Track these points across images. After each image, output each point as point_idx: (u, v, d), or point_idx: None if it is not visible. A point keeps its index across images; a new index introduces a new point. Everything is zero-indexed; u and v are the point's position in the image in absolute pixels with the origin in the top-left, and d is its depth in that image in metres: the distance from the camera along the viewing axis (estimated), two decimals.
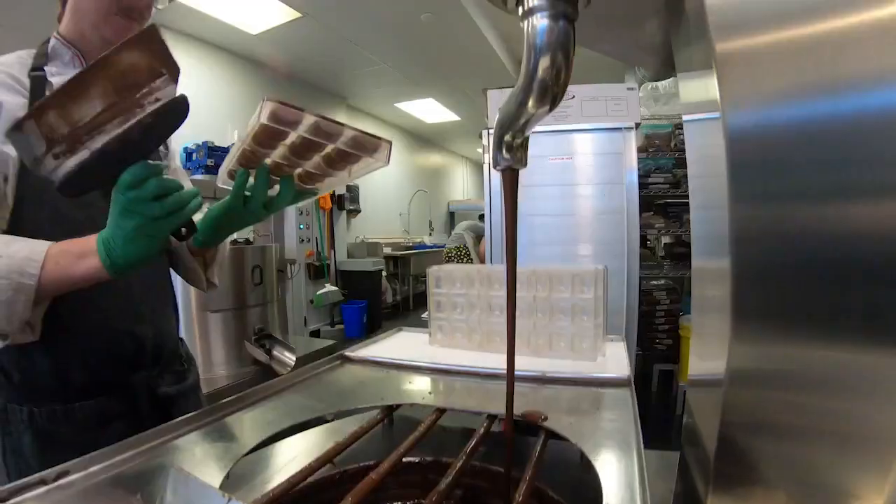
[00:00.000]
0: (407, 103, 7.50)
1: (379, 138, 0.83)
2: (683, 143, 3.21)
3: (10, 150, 0.81)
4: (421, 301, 8.44)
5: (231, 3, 4.16)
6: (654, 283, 3.86)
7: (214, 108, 4.79)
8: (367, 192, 7.52)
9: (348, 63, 5.67)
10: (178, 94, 0.67)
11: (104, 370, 0.94)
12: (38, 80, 0.94)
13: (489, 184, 3.01)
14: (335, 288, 6.09)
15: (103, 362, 0.94)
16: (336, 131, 0.77)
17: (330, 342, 3.51)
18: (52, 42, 1.01)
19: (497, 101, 3.03)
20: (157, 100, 0.65)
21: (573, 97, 2.84)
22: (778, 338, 0.42)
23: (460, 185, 12.99)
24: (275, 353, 2.95)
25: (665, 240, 4.02)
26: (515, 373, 0.68)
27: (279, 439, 0.83)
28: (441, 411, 0.80)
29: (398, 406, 0.85)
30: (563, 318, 1.06)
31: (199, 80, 4.77)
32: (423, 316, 5.50)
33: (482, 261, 5.93)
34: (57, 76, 0.97)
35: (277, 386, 0.94)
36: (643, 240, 3.68)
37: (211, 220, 0.93)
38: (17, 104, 0.88)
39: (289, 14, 4.42)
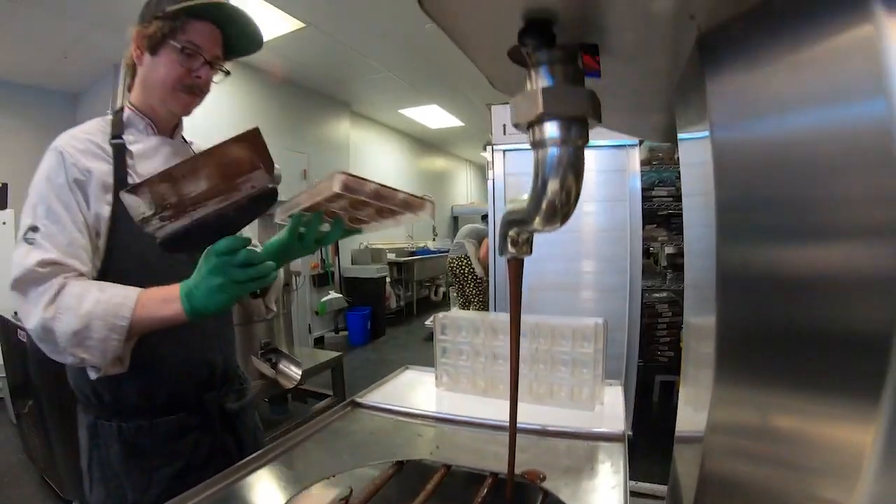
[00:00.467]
0: (411, 109, 7.51)
1: (424, 199, 0.94)
2: None
3: (104, 211, 1.01)
4: (424, 306, 8.46)
5: None
6: (656, 295, 3.87)
7: (217, 115, 4.80)
8: None
9: (352, 71, 5.68)
10: (269, 185, 0.81)
11: (183, 391, 1.09)
12: (118, 148, 1.08)
13: (492, 189, 3.03)
14: (339, 295, 6.12)
15: (183, 385, 1.09)
16: (390, 195, 0.88)
17: (335, 354, 3.54)
18: (127, 112, 1.14)
19: (500, 116, 3.04)
20: (253, 187, 0.78)
21: None
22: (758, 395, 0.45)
23: (464, 189, 12.98)
24: (281, 367, 2.98)
25: (668, 249, 4.04)
26: (518, 425, 0.71)
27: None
28: (448, 467, 0.82)
29: (408, 460, 0.88)
30: (564, 369, 1.10)
31: (214, 90, 4.77)
32: (426, 322, 5.55)
33: (485, 268, 5.94)
34: (135, 144, 1.12)
35: (296, 438, 1.00)
36: (646, 251, 3.69)
37: (267, 254, 1.01)
38: (103, 171, 1.04)
39: (293, 24, 4.43)
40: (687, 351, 0.66)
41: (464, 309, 6.01)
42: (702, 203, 0.52)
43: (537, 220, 0.51)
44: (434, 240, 9.99)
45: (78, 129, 1.09)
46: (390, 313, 7.32)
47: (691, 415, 0.59)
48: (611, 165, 2.89)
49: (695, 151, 0.56)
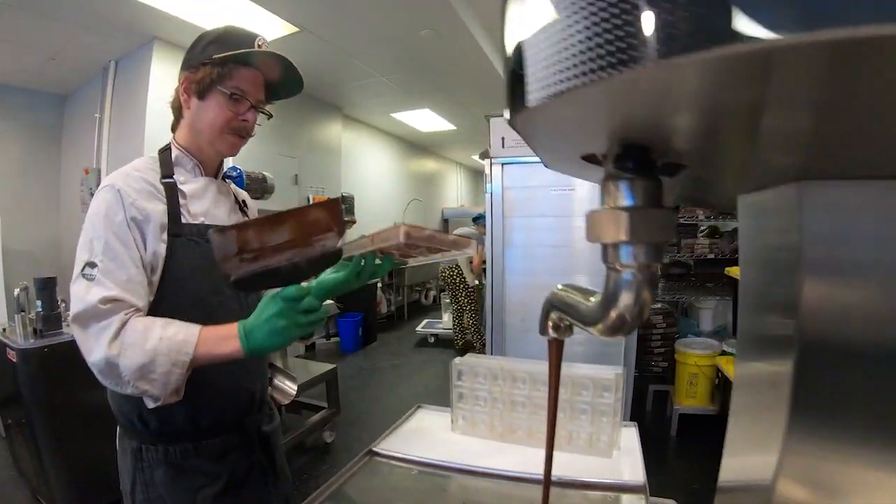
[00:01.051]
0: (403, 113, 7.46)
1: (470, 239, 1.09)
2: None
3: (160, 249, 1.07)
4: (415, 311, 8.45)
5: (228, 18, 4.12)
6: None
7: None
8: (362, 202, 7.51)
9: (345, 75, 5.63)
10: (338, 245, 0.93)
11: (226, 416, 1.16)
12: (171, 187, 1.14)
13: (490, 202, 2.99)
14: (330, 301, 6.07)
15: (226, 410, 1.16)
16: (442, 240, 1.01)
17: (329, 366, 3.52)
18: (175, 152, 1.21)
19: (499, 128, 3.02)
20: (324, 245, 0.89)
21: None
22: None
23: (454, 192, 12.97)
24: (276, 381, 2.92)
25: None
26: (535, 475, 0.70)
27: None
28: None
29: None
30: (584, 417, 1.09)
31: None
32: (418, 329, 5.51)
33: (478, 275, 5.93)
34: (186, 184, 1.18)
35: (319, 497, 1.00)
36: None
37: (324, 291, 1.07)
38: (159, 210, 1.10)
39: (286, 28, 4.37)
40: (740, 398, 0.64)
41: (457, 316, 6.01)
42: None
43: (600, 326, 0.49)
44: None
45: (130, 167, 1.15)
46: (381, 318, 7.30)
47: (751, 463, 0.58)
48: None
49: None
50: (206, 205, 1.19)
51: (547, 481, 0.69)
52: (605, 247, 0.45)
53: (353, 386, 4.55)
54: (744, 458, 0.61)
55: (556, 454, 1.07)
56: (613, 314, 0.47)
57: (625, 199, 0.43)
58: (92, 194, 1.29)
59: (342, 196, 6.84)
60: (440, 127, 8.36)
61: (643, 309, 0.46)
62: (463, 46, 4.76)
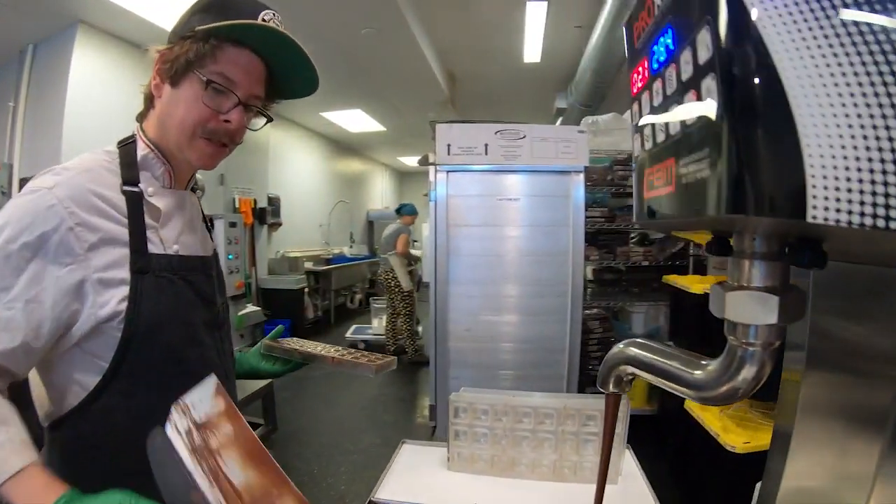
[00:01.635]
0: (333, 113, 7.28)
1: (390, 361, 1.07)
2: (620, 178, 3.34)
3: (121, 296, 0.82)
4: (342, 315, 8.26)
5: (162, 4, 3.81)
6: (587, 312, 3.97)
7: (120, 114, 4.41)
8: (288, 204, 7.25)
9: None
10: None
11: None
12: (134, 198, 0.88)
13: (434, 210, 2.91)
14: (257, 308, 5.82)
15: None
16: (366, 365, 1.04)
17: (263, 383, 3.35)
18: (142, 149, 0.92)
19: (445, 135, 2.97)
20: None
21: (524, 137, 2.84)
22: None
23: (379, 193, 12.82)
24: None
25: (593, 266, 4.17)
26: None
27: None
28: None
29: None
30: (589, 446, 1.07)
31: (120, 81, 4.35)
32: (346, 335, 5.41)
33: (406, 255, 5.84)
34: (156, 197, 0.91)
35: None
36: None
37: (238, 365, 1.13)
38: (116, 235, 0.84)
39: None
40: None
41: (392, 319, 5.92)
42: None
43: (711, 394, 0.47)
44: (351, 246, 9.76)
45: (77, 167, 0.85)
46: (308, 324, 7.07)
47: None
48: (555, 191, 2.90)
49: None
50: (178, 228, 0.94)
51: None
52: (736, 326, 0.43)
53: (287, 398, 4.35)
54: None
55: (561, 486, 1.06)
56: (728, 386, 0.45)
57: (767, 279, 0.40)
58: (3, 193, 1.06)
59: (268, 197, 6.60)
60: (370, 128, 8.23)
61: (759, 383, 0.44)
62: (402, 46, 4.69)
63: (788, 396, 0.59)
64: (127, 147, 0.92)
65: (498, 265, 2.88)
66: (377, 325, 6.49)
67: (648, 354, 0.53)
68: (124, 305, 0.81)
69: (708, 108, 0.29)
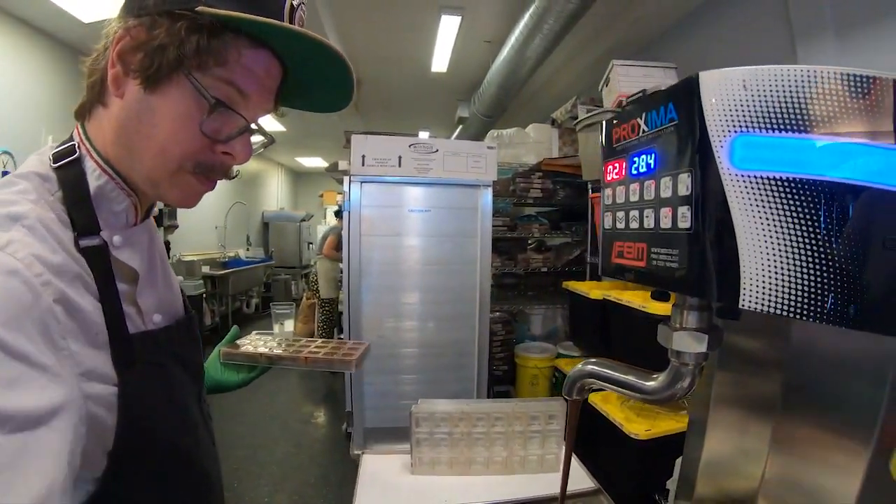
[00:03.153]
0: None
1: (364, 350, 1.06)
2: (521, 190, 3.58)
3: (106, 397, 0.60)
4: (239, 321, 7.99)
5: None
6: (490, 316, 4.21)
7: (25, 105, 4.04)
8: None
9: None
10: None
11: None
12: (97, 257, 0.61)
13: (348, 220, 2.95)
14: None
15: None
16: (317, 360, 1.02)
17: None
18: (97, 180, 0.64)
19: (360, 146, 3.04)
20: None
21: (436, 150, 2.97)
22: None
23: (274, 193, 12.49)
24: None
25: (495, 272, 4.41)
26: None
27: None
28: None
29: None
30: (534, 442, 1.25)
31: (13, 67, 4.01)
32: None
33: (332, 258, 5.74)
34: (125, 249, 0.67)
35: None
36: None
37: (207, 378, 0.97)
38: (89, 317, 0.59)
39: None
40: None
41: (304, 324, 5.82)
42: None
43: (659, 397, 0.64)
44: (248, 249, 9.47)
45: (21, 210, 0.56)
46: (207, 331, 6.80)
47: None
48: (465, 203, 3.06)
49: None
50: (156, 284, 0.74)
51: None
52: (679, 354, 0.60)
53: None
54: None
55: (510, 479, 1.22)
56: (670, 392, 0.62)
57: (700, 323, 0.58)
58: None
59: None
60: (270, 128, 7.94)
61: (691, 390, 0.62)
62: None
63: (703, 391, 0.78)
64: (70, 171, 0.63)
65: (409, 274, 2.99)
66: (278, 331, 6.36)
67: (608, 371, 0.69)
68: (112, 402, 0.61)
69: (683, 225, 0.46)
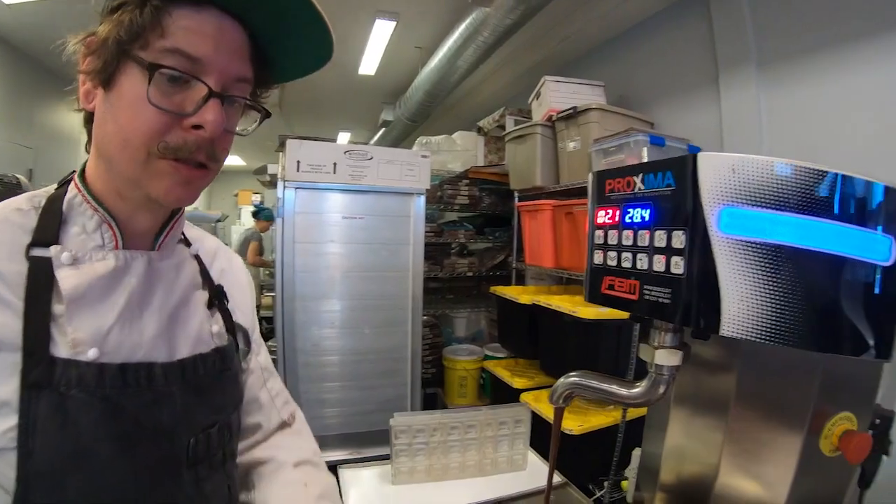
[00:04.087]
0: None
1: None
2: (449, 197, 3.70)
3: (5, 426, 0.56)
4: None
5: None
6: None
7: None
8: None
9: None
10: None
11: None
12: (38, 269, 0.60)
13: (282, 226, 2.93)
14: None
15: None
16: None
17: None
18: (72, 192, 0.66)
19: (295, 152, 2.99)
20: None
21: (371, 158, 2.99)
22: None
23: None
24: None
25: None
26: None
27: None
28: None
29: None
30: (503, 444, 1.36)
31: None
32: None
33: (256, 265, 5.57)
34: (72, 267, 0.62)
35: None
36: None
37: None
38: (8, 326, 0.57)
39: None
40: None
41: None
42: None
43: (639, 401, 0.74)
44: None
45: None
46: None
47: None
48: (399, 211, 3.13)
49: None
50: (108, 318, 0.63)
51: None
52: (657, 366, 0.73)
53: None
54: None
55: (483, 480, 1.33)
56: (649, 397, 0.74)
57: (675, 342, 0.71)
58: None
59: None
60: None
61: (665, 394, 0.75)
62: None
63: None
64: (59, 190, 0.67)
65: (342, 281, 3.01)
66: None
67: (593, 382, 0.81)
68: (13, 437, 0.55)
69: (677, 271, 0.58)
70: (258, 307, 5.35)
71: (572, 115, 2.71)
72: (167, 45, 0.58)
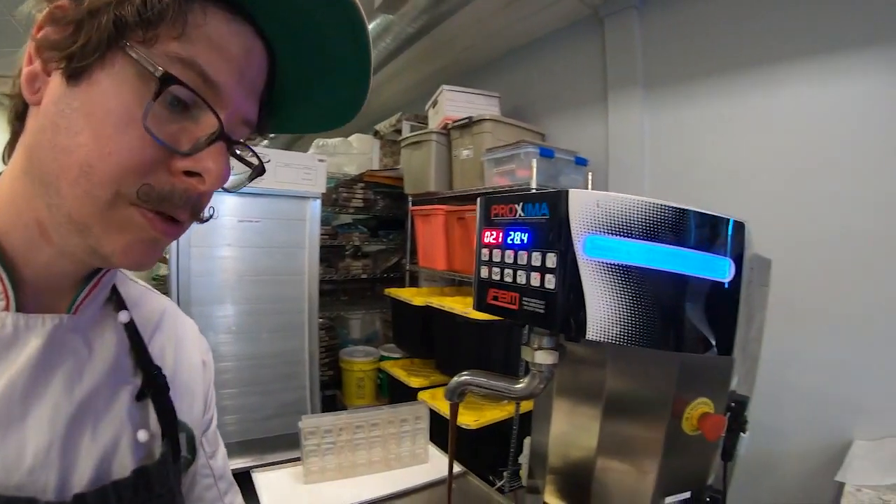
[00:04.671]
0: None
1: None
2: (344, 199, 3.72)
3: None
4: None
5: None
6: None
7: None
8: None
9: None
10: None
11: None
12: None
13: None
14: None
15: None
16: None
17: None
18: None
19: None
20: None
21: (268, 161, 2.95)
22: None
23: None
24: None
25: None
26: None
27: None
28: None
29: None
30: (405, 443, 1.43)
31: None
32: None
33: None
34: None
35: None
36: None
37: None
38: None
39: None
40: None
41: None
42: None
43: (523, 395, 0.83)
44: None
45: None
46: None
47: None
48: (295, 214, 3.14)
49: None
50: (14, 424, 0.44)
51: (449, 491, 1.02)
52: (536, 365, 0.83)
53: None
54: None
55: (389, 474, 1.39)
56: (531, 391, 0.84)
57: (552, 344, 0.82)
58: None
59: None
60: None
61: (545, 388, 0.85)
62: None
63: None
64: None
65: (239, 285, 2.97)
66: None
67: (482, 379, 0.90)
68: None
69: (550, 286, 0.68)
70: None
71: (467, 125, 2.84)
72: (182, 53, 0.42)
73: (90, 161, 0.41)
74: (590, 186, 2.78)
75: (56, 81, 0.43)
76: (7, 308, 0.44)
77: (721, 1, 2.26)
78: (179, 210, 0.47)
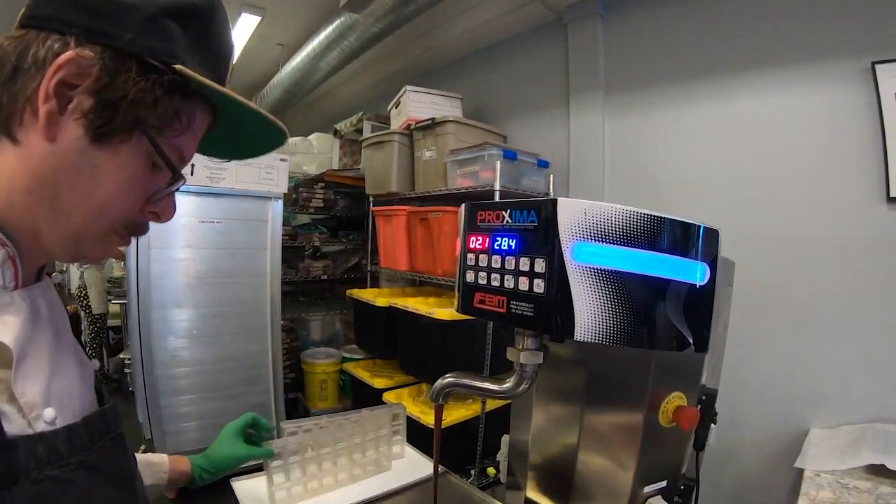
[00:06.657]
0: None
1: None
2: (304, 200, 3.69)
3: None
4: None
5: None
6: None
7: None
8: None
9: None
10: None
11: None
12: None
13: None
14: None
15: None
16: None
17: None
18: None
19: None
20: None
21: (230, 160, 2.91)
22: None
23: None
24: None
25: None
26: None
27: None
28: None
29: None
30: (377, 447, 1.42)
31: None
32: None
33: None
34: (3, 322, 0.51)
35: None
36: None
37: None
38: None
39: None
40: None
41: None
42: None
43: (510, 394, 0.86)
44: None
45: None
46: None
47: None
48: (256, 215, 3.08)
49: None
50: (45, 367, 0.54)
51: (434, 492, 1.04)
52: (522, 365, 0.86)
53: None
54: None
55: (370, 480, 1.37)
56: (519, 391, 0.87)
57: (537, 345, 0.85)
58: None
59: None
60: None
61: (529, 388, 0.89)
62: None
63: None
64: None
65: (200, 288, 2.91)
66: None
67: (468, 381, 0.93)
68: None
69: (538, 290, 0.71)
70: (104, 315, 4.83)
71: (430, 126, 2.86)
72: (176, 142, 0.59)
73: (104, 206, 0.56)
74: (551, 188, 2.84)
75: (74, 132, 0.52)
76: (17, 286, 0.55)
77: (682, 11, 2.36)
78: (138, 232, 0.63)
